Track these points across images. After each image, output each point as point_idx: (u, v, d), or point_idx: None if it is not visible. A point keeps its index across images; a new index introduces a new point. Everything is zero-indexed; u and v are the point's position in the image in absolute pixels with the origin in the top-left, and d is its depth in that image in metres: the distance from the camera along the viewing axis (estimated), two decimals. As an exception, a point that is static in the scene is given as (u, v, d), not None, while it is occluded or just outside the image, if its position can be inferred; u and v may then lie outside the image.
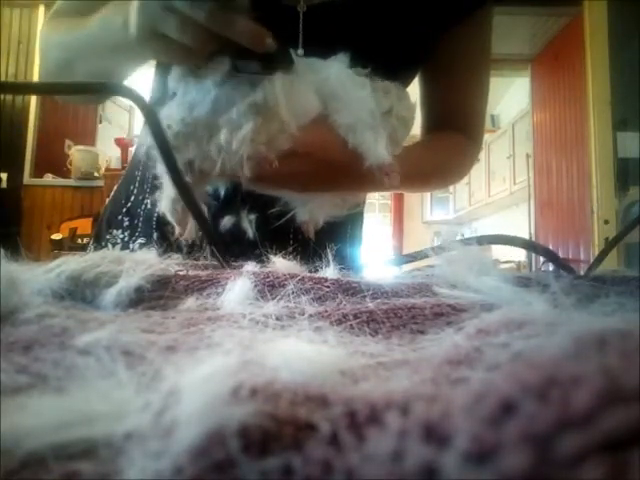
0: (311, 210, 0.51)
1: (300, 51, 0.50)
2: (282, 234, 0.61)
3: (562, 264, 0.42)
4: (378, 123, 0.48)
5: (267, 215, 0.53)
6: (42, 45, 0.61)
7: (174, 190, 0.44)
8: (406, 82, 0.63)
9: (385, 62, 0.50)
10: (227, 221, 0.54)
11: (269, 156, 0.44)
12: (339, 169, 0.48)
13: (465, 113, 0.67)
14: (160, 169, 0.45)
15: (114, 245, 0.64)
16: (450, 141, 0.67)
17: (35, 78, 3.10)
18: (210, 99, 0.43)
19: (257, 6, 0.58)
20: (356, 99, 0.48)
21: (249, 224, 0.52)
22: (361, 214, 0.75)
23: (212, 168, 0.45)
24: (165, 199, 0.47)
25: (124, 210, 0.66)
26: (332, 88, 0.48)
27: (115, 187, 0.73)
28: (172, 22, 0.40)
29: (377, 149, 0.47)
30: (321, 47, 0.48)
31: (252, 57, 0.42)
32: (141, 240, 0.63)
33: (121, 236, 0.65)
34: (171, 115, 0.43)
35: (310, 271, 0.36)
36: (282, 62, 0.45)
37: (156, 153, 0.42)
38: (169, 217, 0.47)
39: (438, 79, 0.67)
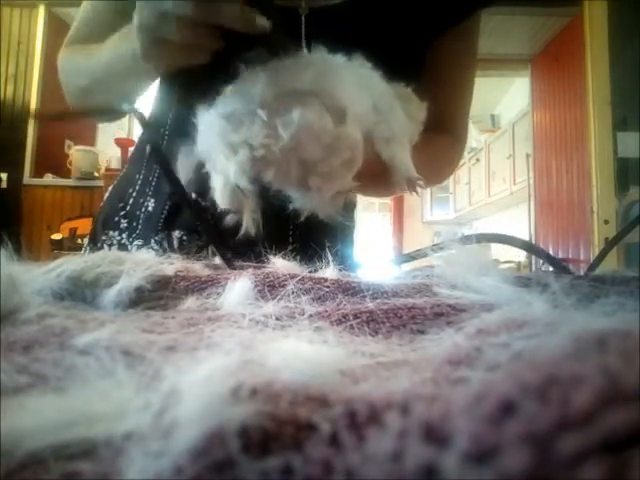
0: (315, 206, 0.50)
1: (339, 56, 0.47)
2: (280, 232, 0.62)
3: (561, 266, 0.42)
4: (406, 135, 0.48)
5: (266, 212, 0.53)
6: (62, 72, 0.66)
7: (228, 179, 0.43)
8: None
9: (384, 66, 0.50)
10: (230, 218, 0.54)
11: (351, 190, 0.44)
12: (369, 178, 0.48)
13: (452, 116, 0.70)
14: (212, 160, 0.45)
15: (110, 246, 0.65)
16: (441, 142, 0.69)
17: (35, 79, 3.11)
18: (297, 130, 0.41)
19: (258, 10, 0.58)
20: (393, 112, 0.48)
21: (252, 222, 0.52)
22: (352, 214, 0.76)
23: (282, 187, 0.45)
24: (219, 189, 0.45)
25: (121, 212, 0.66)
26: (375, 101, 0.47)
27: (110, 188, 0.72)
28: (167, 24, 0.41)
29: (408, 164, 0.47)
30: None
31: (253, 46, 0.42)
32: (138, 242, 0.63)
33: (118, 238, 0.65)
34: (255, 134, 0.41)
35: (310, 271, 0.36)
36: (280, 44, 0.44)
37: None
38: (223, 205, 0.46)
39: (428, 83, 0.69)
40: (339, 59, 0.47)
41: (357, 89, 0.46)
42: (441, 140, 0.68)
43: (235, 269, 0.38)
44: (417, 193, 0.48)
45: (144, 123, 0.39)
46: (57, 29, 3.14)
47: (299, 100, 0.41)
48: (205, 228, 0.42)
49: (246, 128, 0.41)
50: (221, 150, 0.43)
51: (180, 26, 0.41)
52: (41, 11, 3.12)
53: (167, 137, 0.64)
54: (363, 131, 0.45)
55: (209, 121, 0.43)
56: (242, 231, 0.47)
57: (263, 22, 0.41)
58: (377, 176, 0.48)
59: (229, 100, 0.43)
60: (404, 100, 0.50)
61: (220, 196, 0.45)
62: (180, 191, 0.47)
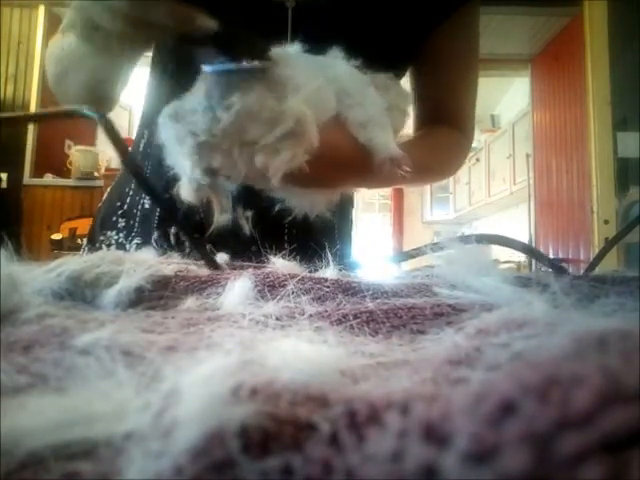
0: (307, 204, 0.51)
1: (296, 47, 0.48)
2: (276, 231, 0.62)
3: (562, 270, 0.42)
4: (386, 118, 0.49)
5: (261, 211, 0.53)
6: (46, 58, 0.65)
7: (195, 175, 0.44)
8: (397, 77, 0.64)
9: (373, 58, 0.50)
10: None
11: (303, 167, 0.43)
12: (349, 165, 0.48)
13: (456, 108, 0.69)
14: (172, 160, 0.45)
15: (108, 246, 0.65)
16: (445, 136, 0.68)
17: (35, 79, 3.11)
18: (237, 111, 0.42)
19: (245, 3, 0.58)
20: (366, 96, 0.48)
21: (245, 221, 0.52)
22: (349, 213, 0.76)
23: (237, 177, 0.45)
24: (185, 185, 0.46)
25: (119, 211, 0.66)
26: (343, 85, 0.47)
27: (108, 189, 0.72)
28: (101, 11, 0.41)
29: (389, 143, 0.48)
30: (309, 43, 0.48)
31: (218, 52, 0.41)
32: (137, 241, 0.63)
33: (115, 237, 0.65)
34: (197, 122, 0.42)
35: (310, 271, 0.36)
36: (256, 55, 0.42)
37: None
38: (192, 201, 0.46)
39: (428, 75, 0.68)
40: (297, 51, 0.47)
41: (312, 73, 0.46)
42: (445, 134, 0.68)
43: (217, 269, 0.38)
44: (404, 173, 0.47)
45: (114, 138, 0.38)
46: (57, 29, 3.13)
47: (241, 86, 0.42)
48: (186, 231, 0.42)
49: (190, 119, 0.42)
50: (175, 149, 0.43)
51: (114, 15, 0.41)
52: (41, 11, 3.12)
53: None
54: (329, 114, 0.46)
55: (164, 125, 0.44)
56: (214, 222, 0.47)
57: (208, 23, 0.40)
58: (364, 164, 0.48)
59: (179, 99, 0.44)
60: (382, 89, 0.50)
61: (185, 192, 0.46)
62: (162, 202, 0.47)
